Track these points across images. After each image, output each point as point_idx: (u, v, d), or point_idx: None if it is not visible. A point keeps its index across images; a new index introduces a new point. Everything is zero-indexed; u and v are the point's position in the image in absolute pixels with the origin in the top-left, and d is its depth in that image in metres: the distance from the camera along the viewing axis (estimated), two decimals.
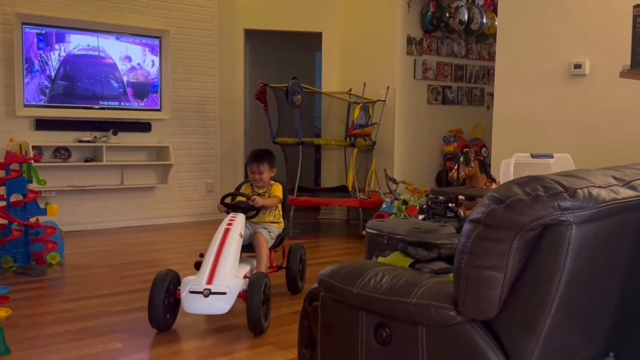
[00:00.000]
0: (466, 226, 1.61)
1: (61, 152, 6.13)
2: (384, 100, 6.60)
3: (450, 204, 3.52)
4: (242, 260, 3.46)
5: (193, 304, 3.04)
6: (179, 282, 3.18)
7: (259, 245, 3.59)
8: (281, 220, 3.88)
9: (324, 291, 2.03)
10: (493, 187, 4.77)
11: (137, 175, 6.63)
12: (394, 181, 5.68)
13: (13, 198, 4.45)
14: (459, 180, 5.04)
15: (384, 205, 5.57)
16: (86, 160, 6.24)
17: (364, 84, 6.73)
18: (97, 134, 6.25)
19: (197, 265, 3.36)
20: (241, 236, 3.37)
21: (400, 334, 1.78)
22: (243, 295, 3.14)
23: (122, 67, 6.45)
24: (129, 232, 6.24)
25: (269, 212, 3.80)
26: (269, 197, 3.75)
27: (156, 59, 6.65)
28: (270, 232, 3.74)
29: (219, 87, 7.13)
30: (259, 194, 3.74)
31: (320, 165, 7.63)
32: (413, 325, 1.73)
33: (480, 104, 7.38)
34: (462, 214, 3.56)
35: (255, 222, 3.73)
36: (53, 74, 6.05)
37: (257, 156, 3.76)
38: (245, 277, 3.33)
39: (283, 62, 7.98)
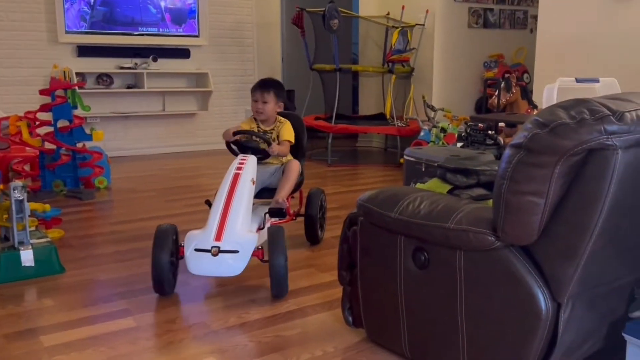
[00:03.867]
0: (507, 151, 1.58)
1: (103, 79, 6.22)
2: (423, 24, 6.43)
3: (490, 131, 3.49)
4: (253, 209, 2.90)
5: (200, 264, 2.59)
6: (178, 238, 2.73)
7: (290, 172, 3.17)
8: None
9: (363, 216, 2.04)
10: (535, 113, 4.70)
11: (178, 101, 6.71)
12: (433, 108, 5.62)
13: (60, 124, 4.56)
14: (500, 107, 4.96)
15: (422, 133, 5.53)
16: (128, 87, 6.32)
17: (403, 6, 6.53)
18: (138, 60, 6.30)
19: (209, 203, 2.90)
20: (253, 182, 2.89)
21: (438, 258, 1.80)
22: (258, 253, 2.68)
23: None
24: (171, 158, 6.37)
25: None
26: (277, 137, 3.24)
27: None
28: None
29: (255, 12, 7.04)
30: (265, 131, 3.25)
31: (358, 93, 7.57)
32: (451, 250, 1.74)
33: (523, 28, 7.14)
34: (502, 142, 3.53)
35: (265, 163, 3.18)
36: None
37: (264, 83, 3.27)
38: (259, 229, 2.87)
39: None
